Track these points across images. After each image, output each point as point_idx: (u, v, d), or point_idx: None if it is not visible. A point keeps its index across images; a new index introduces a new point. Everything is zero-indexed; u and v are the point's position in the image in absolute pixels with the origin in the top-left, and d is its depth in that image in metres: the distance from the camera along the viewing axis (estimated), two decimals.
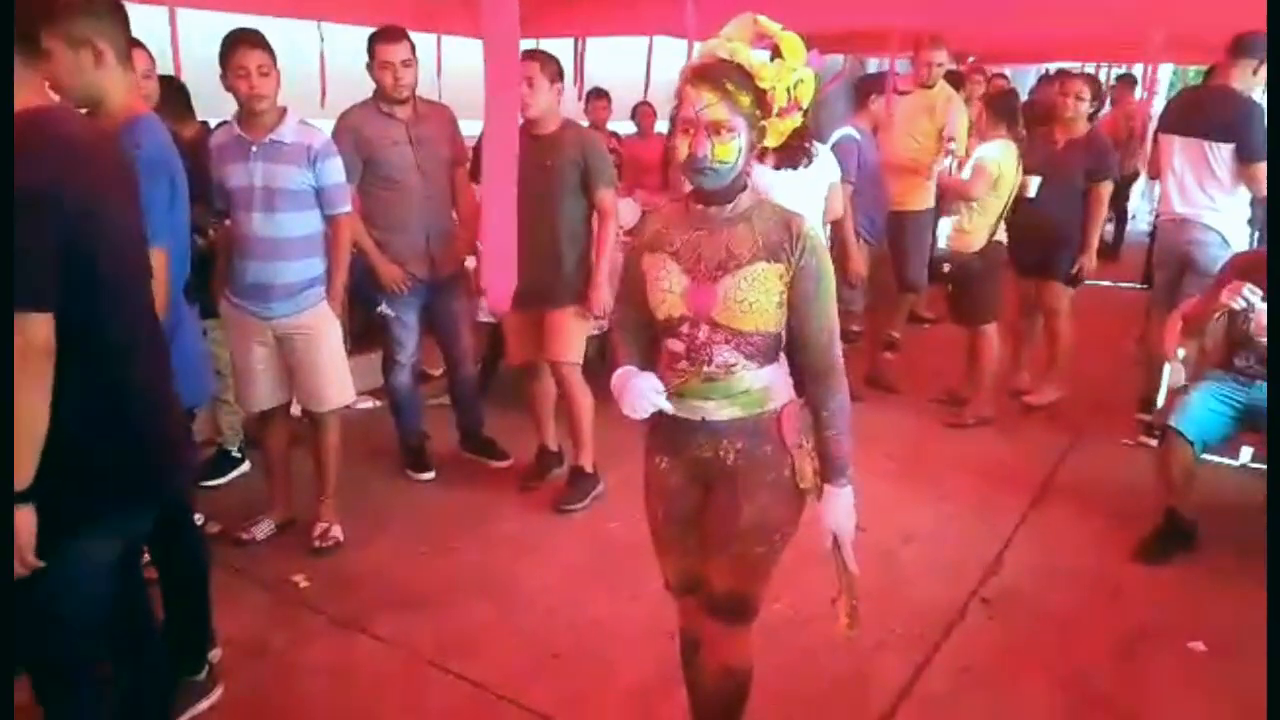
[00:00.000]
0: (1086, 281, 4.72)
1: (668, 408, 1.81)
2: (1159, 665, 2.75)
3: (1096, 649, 2.81)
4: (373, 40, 3.46)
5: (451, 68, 5.07)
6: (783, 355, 1.84)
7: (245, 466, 3.91)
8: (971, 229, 4.45)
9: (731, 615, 1.92)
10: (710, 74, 1.64)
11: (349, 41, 4.12)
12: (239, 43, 2.90)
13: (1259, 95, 4.09)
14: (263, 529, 3.37)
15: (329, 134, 3.23)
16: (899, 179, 5.16)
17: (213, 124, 3.47)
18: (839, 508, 1.81)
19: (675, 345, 1.80)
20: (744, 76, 1.64)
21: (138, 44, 2.69)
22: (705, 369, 1.78)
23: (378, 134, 3.49)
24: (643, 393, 1.78)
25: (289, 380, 3.23)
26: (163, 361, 1.89)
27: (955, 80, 6.72)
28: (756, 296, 1.71)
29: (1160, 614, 2.99)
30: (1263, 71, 3.99)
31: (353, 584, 3.12)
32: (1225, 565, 3.17)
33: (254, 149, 2.96)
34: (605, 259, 3.53)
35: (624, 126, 6.82)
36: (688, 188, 1.79)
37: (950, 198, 4.68)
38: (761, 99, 1.65)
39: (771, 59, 1.70)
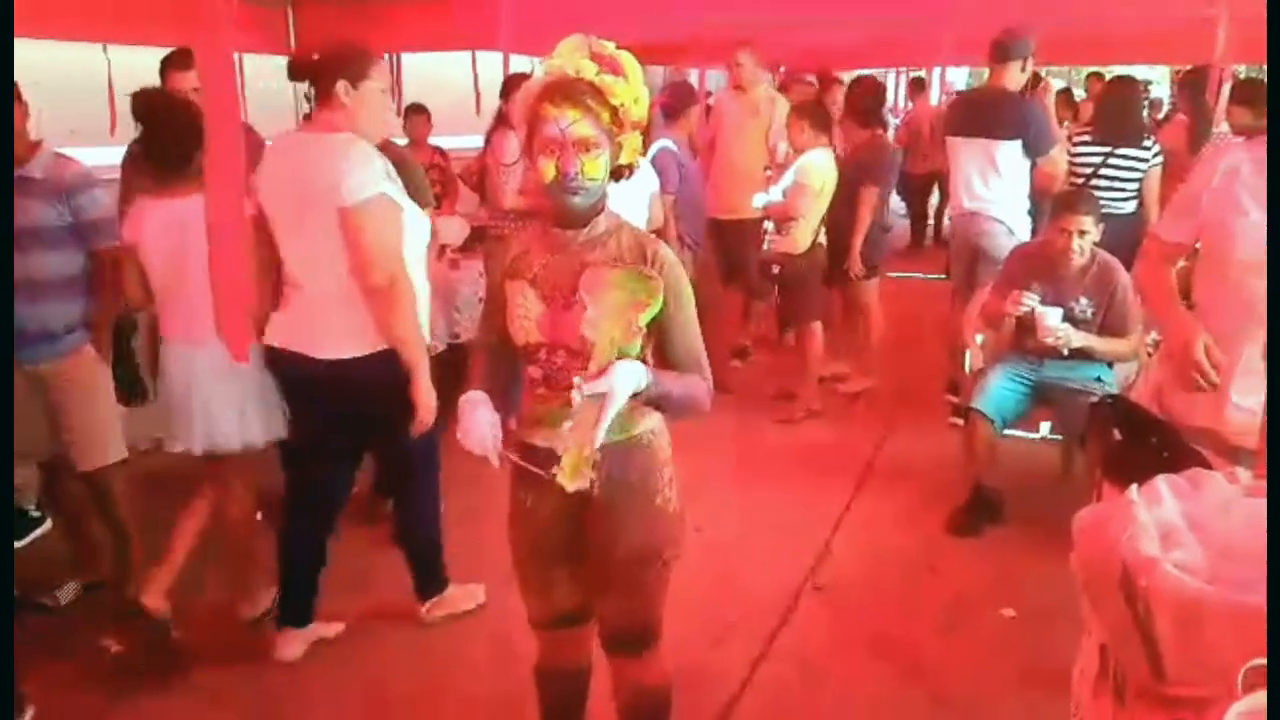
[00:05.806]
0: (890, 274, 5.01)
1: (493, 462, 1.73)
2: (975, 633, 2.94)
3: (918, 623, 2.99)
4: (165, 65, 3.26)
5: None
6: None
7: (46, 526, 3.58)
8: (795, 233, 4.62)
9: (633, 646, 1.89)
10: (571, 91, 1.61)
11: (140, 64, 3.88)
12: None
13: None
14: (67, 592, 3.11)
15: (118, 162, 3.02)
16: (733, 185, 5.24)
17: None
18: (628, 374, 1.61)
19: (534, 372, 1.76)
20: (597, 94, 1.62)
21: None
22: (565, 394, 1.70)
23: None
24: (480, 429, 1.72)
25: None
26: None
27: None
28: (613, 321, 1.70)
29: (974, 584, 3.20)
30: (1029, 67, 4.36)
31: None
32: (1030, 534, 3.40)
33: None
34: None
35: (448, 141, 6.71)
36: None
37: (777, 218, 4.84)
38: (614, 116, 1.65)
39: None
